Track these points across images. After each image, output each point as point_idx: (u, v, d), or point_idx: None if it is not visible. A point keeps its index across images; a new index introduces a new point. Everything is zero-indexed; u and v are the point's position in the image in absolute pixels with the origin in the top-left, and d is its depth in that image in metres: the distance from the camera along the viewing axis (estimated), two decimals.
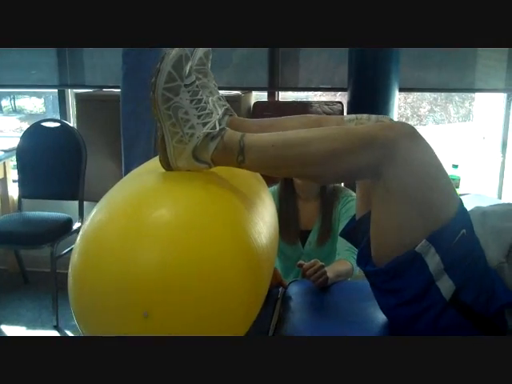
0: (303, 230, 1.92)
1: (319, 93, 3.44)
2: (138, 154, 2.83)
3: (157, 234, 0.87)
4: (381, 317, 1.24)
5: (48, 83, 3.37)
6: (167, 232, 0.87)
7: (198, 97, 1.02)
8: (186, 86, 1.01)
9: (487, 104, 3.39)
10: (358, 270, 1.78)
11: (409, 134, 1.00)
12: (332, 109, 2.84)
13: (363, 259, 1.19)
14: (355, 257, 1.79)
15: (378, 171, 0.99)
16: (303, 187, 1.92)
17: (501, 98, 3.07)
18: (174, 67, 0.99)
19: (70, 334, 2.57)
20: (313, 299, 1.43)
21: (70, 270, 0.92)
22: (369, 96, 2.60)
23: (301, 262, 1.56)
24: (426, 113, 3.97)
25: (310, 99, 3.79)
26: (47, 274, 2.74)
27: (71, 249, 2.56)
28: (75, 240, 0.94)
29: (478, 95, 3.42)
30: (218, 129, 1.02)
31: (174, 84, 0.99)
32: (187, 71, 1.01)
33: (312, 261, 1.52)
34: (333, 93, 3.31)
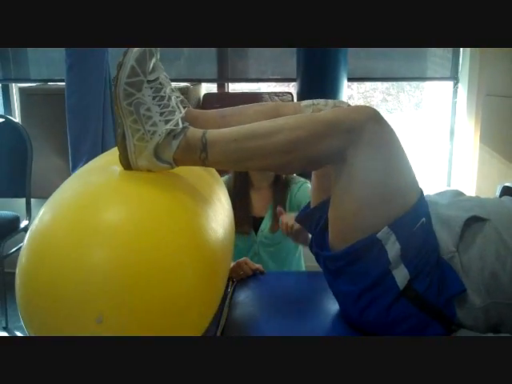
0: (256, 217, 1.91)
1: (273, 84, 3.43)
2: (85, 150, 2.76)
3: (107, 235, 0.84)
4: (334, 308, 1.24)
5: None
6: (117, 231, 0.85)
7: (161, 93, 0.98)
8: (148, 81, 0.97)
9: (436, 92, 3.46)
10: None
11: (374, 117, 0.98)
12: (282, 100, 2.84)
13: (317, 244, 1.18)
14: None
15: (342, 156, 0.98)
16: (258, 176, 1.91)
17: (449, 86, 3.13)
18: (138, 61, 0.95)
19: (19, 334, 2.50)
20: (263, 292, 1.41)
21: (17, 270, 0.88)
22: (317, 86, 2.61)
23: (280, 209, 1.56)
24: (379, 102, 4.02)
25: (263, 91, 3.79)
26: None
27: (19, 248, 2.48)
28: (23, 238, 0.90)
29: (428, 84, 3.48)
30: (181, 126, 0.98)
31: (137, 79, 0.96)
32: (151, 67, 0.97)
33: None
34: (286, 83, 3.31)
